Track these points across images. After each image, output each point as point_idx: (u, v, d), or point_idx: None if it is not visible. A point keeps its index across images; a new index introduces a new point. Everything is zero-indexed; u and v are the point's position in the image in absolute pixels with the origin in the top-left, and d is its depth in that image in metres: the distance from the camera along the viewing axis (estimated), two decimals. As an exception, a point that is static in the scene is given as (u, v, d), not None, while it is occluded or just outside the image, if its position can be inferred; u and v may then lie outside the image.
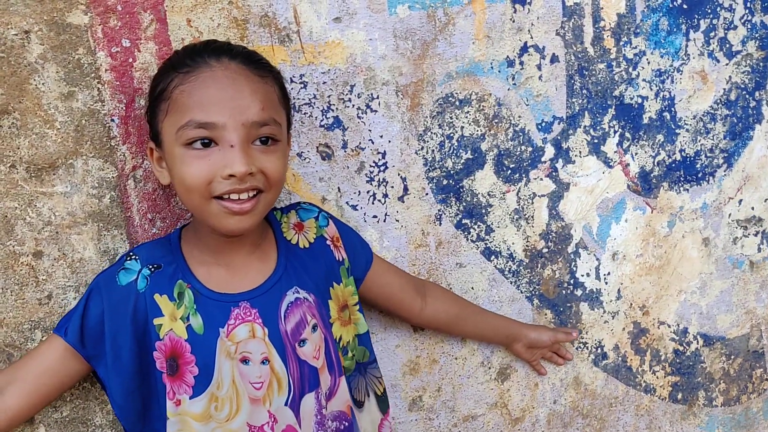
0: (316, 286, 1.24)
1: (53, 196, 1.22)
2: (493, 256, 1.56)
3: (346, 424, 1.26)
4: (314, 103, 1.36)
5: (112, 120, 1.23)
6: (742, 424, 1.87)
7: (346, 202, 1.43)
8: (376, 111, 1.41)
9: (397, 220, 1.47)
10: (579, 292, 1.65)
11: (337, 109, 1.38)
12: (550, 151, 1.54)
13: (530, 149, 1.53)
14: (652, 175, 1.63)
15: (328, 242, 1.29)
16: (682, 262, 1.71)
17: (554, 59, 1.50)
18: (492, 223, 1.54)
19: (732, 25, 1.61)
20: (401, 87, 1.41)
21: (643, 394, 1.76)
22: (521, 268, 1.59)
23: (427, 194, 1.48)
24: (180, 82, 1.08)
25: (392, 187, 1.45)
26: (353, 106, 1.39)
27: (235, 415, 1.15)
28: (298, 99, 1.35)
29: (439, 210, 1.49)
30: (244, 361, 1.16)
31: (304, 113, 1.36)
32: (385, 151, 1.43)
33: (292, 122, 1.30)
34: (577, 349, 1.68)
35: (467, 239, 1.53)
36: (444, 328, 1.52)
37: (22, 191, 1.20)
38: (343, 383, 1.26)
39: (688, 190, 1.67)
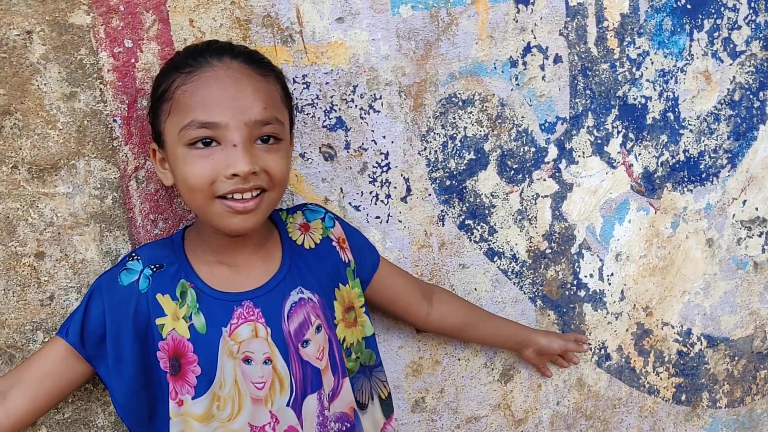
0: (320, 286, 1.24)
1: (55, 196, 1.22)
2: (496, 257, 1.55)
3: (349, 425, 1.25)
4: (317, 103, 1.36)
5: (115, 120, 1.23)
6: (747, 425, 1.86)
7: (349, 203, 1.42)
8: (379, 111, 1.40)
9: (400, 221, 1.47)
10: (582, 293, 1.64)
11: (339, 109, 1.38)
12: (553, 152, 1.54)
13: (533, 150, 1.52)
14: (655, 175, 1.63)
15: (333, 243, 1.28)
16: (686, 263, 1.71)
17: (557, 59, 1.50)
18: (495, 224, 1.54)
19: (736, 25, 1.61)
20: (404, 87, 1.41)
21: (647, 396, 1.75)
22: (524, 269, 1.58)
23: (430, 195, 1.47)
24: (182, 82, 1.08)
25: (395, 187, 1.45)
26: (356, 106, 1.39)
27: (236, 415, 1.15)
28: (301, 99, 1.35)
29: (442, 211, 1.49)
30: (247, 360, 1.15)
31: (307, 114, 1.36)
32: (387, 152, 1.43)
33: (295, 122, 1.29)
34: (580, 350, 1.67)
35: (470, 240, 1.53)
36: (451, 333, 1.51)
37: (24, 192, 1.20)
38: (346, 385, 1.25)
39: (691, 190, 1.67)
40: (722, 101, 1.64)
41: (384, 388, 1.35)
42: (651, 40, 1.55)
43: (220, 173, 1.07)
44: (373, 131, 1.41)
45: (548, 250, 1.59)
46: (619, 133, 1.58)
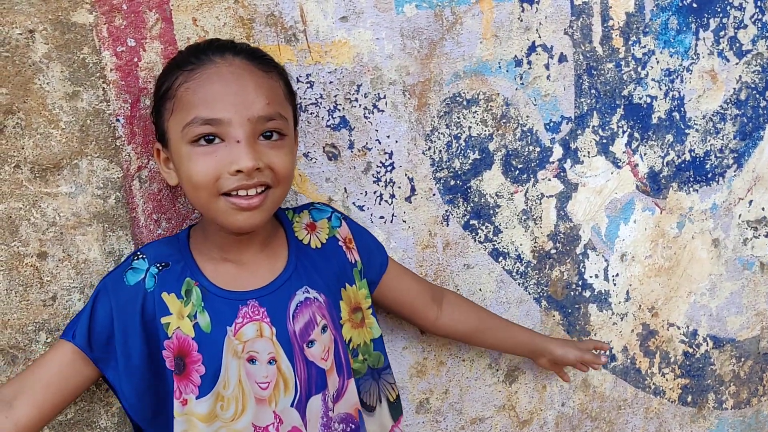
0: (327, 286, 1.23)
1: (58, 196, 1.21)
2: (500, 258, 1.55)
3: (353, 426, 1.24)
4: (321, 102, 1.35)
5: (118, 120, 1.22)
6: (753, 427, 1.85)
7: (353, 203, 1.42)
8: (383, 111, 1.40)
9: (404, 221, 1.46)
10: (587, 294, 1.63)
11: (343, 108, 1.37)
12: (558, 152, 1.53)
13: (538, 149, 1.52)
14: (661, 175, 1.62)
15: (340, 243, 1.27)
16: (692, 264, 1.70)
17: (562, 59, 1.49)
18: (500, 224, 1.53)
19: (742, 24, 1.60)
20: (408, 87, 1.40)
21: (653, 397, 1.75)
22: (529, 269, 1.57)
23: (434, 195, 1.47)
24: (184, 79, 1.08)
25: (399, 187, 1.44)
26: (360, 105, 1.38)
27: (240, 415, 1.14)
28: (305, 99, 1.34)
29: (446, 211, 1.48)
30: (251, 360, 1.15)
31: (311, 113, 1.35)
32: (392, 152, 1.42)
33: (299, 119, 1.29)
34: (585, 351, 1.66)
35: (475, 240, 1.52)
36: (462, 339, 1.49)
37: (27, 192, 1.19)
38: (351, 386, 1.24)
39: (697, 190, 1.66)
40: (728, 101, 1.63)
41: (392, 390, 1.34)
42: (656, 39, 1.54)
43: (224, 170, 1.06)
44: (377, 131, 1.40)
45: (553, 251, 1.58)
46: (624, 132, 1.57)
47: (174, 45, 1.23)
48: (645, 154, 1.60)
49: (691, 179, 1.65)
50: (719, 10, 1.57)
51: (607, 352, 1.61)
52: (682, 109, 1.60)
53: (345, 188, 1.41)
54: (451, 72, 1.42)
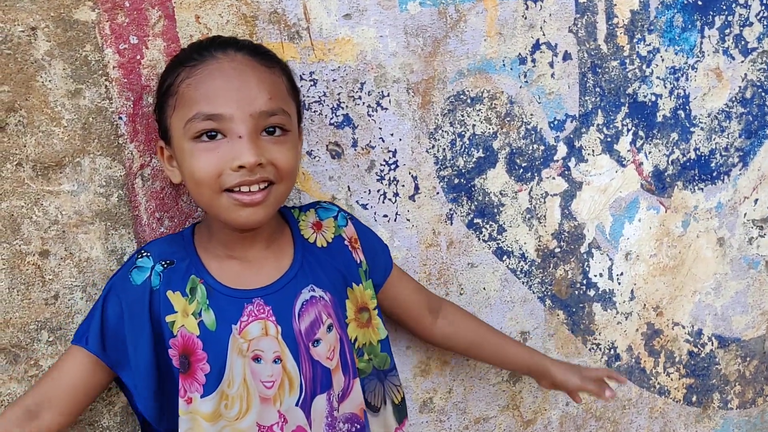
0: (333, 285, 1.22)
1: (60, 194, 1.21)
2: (505, 256, 1.54)
3: (358, 426, 1.24)
4: (324, 100, 1.35)
5: (120, 118, 1.22)
6: (758, 427, 1.85)
7: (357, 201, 1.41)
8: (386, 109, 1.39)
9: (408, 220, 1.45)
10: (592, 293, 1.62)
11: (347, 106, 1.36)
12: (562, 150, 1.52)
13: (542, 148, 1.51)
14: (666, 174, 1.61)
15: (346, 242, 1.27)
16: (697, 263, 1.69)
17: (567, 56, 1.48)
18: (504, 223, 1.52)
19: (748, 22, 1.59)
20: (412, 84, 1.39)
21: (657, 397, 1.74)
22: (533, 268, 1.57)
23: (438, 193, 1.46)
24: (186, 75, 1.08)
25: (403, 185, 1.43)
26: (363, 103, 1.37)
27: (244, 414, 1.14)
28: (308, 97, 1.33)
29: (450, 209, 1.48)
30: (256, 359, 1.14)
31: (314, 111, 1.35)
32: (395, 150, 1.41)
33: (303, 116, 1.28)
34: (589, 350, 1.65)
35: (479, 239, 1.51)
36: (459, 352, 1.48)
37: (29, 190, 1.19)
38: (356, 385, 1.24)
39: (702, 189, 1.65)
40: (733, 99, 1.63)
41: (398, 392, 1.33)
42: (661, 37, 1.54)
43: (227, 166, 1.05)
44: (380, 129, 1.39)
45: (557, 249, 1.57)
46: (629, 131, 1.56)
47: (177, 42, 1.23)
48: (650, 152, 1.59)
49: (696, 178, 1.64)
50: (725, 7, 1.56)
51: (618, 385, 1.53)
52: (687, 107, 1.59)
53: (348, 186, 1.40)
54: (455, 70, 1.42)
